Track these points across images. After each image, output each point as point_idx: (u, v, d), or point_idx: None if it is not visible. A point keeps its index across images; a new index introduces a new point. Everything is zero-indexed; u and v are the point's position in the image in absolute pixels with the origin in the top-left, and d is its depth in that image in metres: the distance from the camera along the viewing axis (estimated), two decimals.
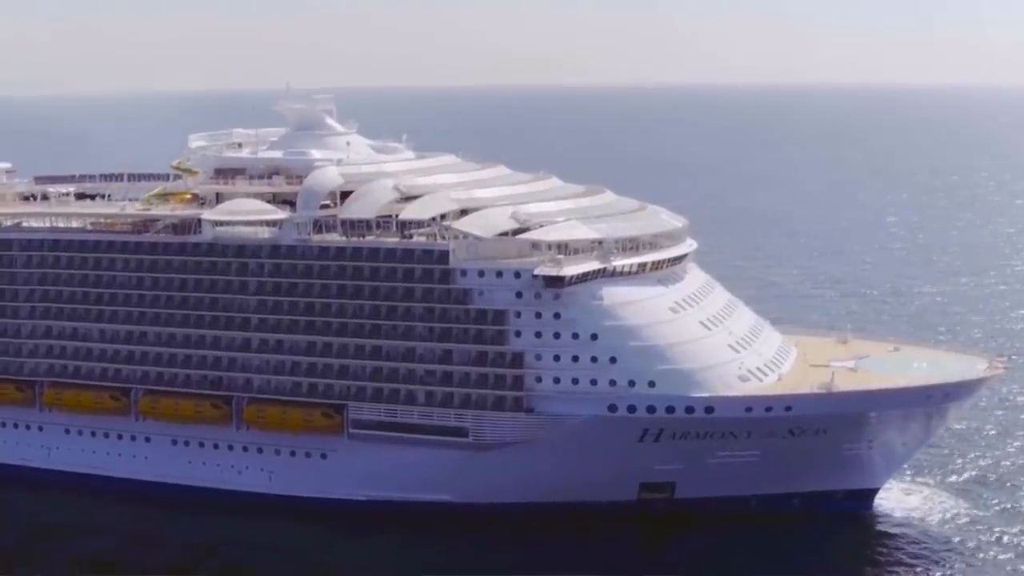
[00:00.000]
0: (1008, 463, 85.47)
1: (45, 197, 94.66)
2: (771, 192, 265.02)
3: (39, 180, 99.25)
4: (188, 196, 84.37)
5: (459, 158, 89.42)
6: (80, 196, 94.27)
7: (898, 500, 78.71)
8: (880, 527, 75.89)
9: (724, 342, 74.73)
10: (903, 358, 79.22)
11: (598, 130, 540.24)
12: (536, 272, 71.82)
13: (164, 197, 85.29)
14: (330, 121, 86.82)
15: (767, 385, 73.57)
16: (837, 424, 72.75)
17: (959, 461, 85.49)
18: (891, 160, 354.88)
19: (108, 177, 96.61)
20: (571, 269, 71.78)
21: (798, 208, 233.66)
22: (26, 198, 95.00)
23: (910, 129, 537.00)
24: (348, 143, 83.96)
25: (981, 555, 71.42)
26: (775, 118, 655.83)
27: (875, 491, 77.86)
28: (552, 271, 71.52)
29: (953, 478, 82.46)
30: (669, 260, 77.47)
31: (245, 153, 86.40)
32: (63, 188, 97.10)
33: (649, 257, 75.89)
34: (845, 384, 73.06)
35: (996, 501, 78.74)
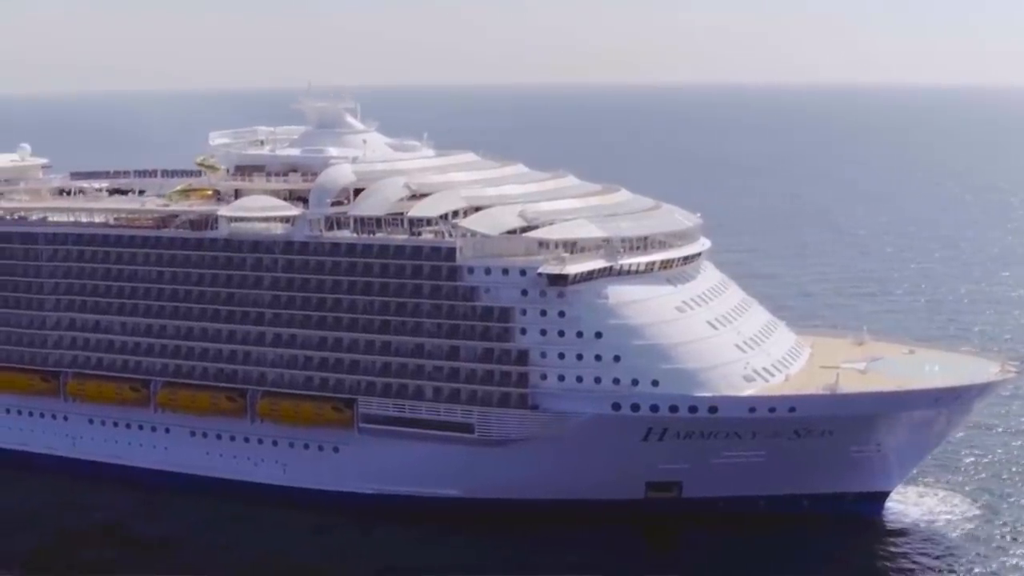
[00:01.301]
0: (1007, 462, 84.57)
1: (79, 192, 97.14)
2: (826, 191, 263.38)
3: (75, 176, 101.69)
4: (209, 192, 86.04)
5: (478, 156, 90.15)
6: (113, 192, 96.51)
7: (910, 503, 77.96)
8: (891, 530, 75.19)
9: (731, 342, 74.54)
10: (916, 360, 78.39)
11: (663, 129, 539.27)
12: (540, 270, 72.23)
13: (186, 193, 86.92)
14: (350, 119, 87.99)
15: (773, 386, 73.25)
16: (843, 426, 72.24)
17: (973, 464, 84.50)
18: (949, 161, 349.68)
19: (142, 173, 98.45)
20: (575, 267, 72.07)
21: (850, 207, 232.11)
22: (60, 193, 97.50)
23: (969, 130, 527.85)
24: (364, 141, 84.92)
25: (994, 560, 70.55)
26: (838, 117, 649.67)
27: (886, 494, 77.18)
28: (555, 269, 71.88)
29: (966, 481, 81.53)
30: (679, 259, 77.38)
31: (265, 151, 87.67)
32: (97, 184, 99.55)
33: (657, 256, 75.90)
34: (852, 386, 72.57)
35: (1010, 505, 77.79)
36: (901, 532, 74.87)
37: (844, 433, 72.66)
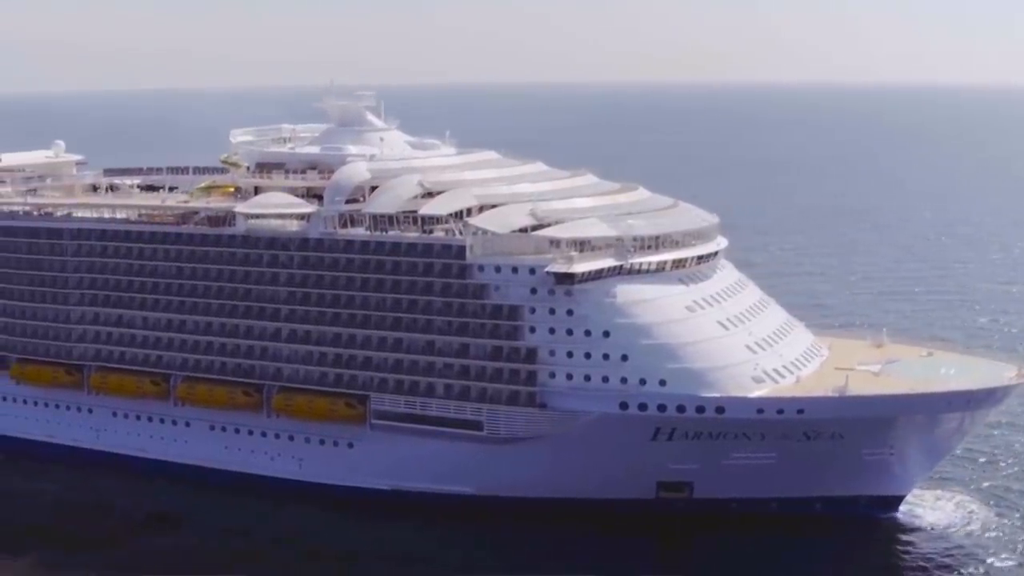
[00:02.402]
0: None
1: (111, 189, 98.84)
2: (887, 192, 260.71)
3: (108, 172, 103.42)
4: (231, 189, 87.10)
5: (499, 154, 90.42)
6: (144, 188, 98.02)
7: (926, 507, 76.97)
8: (905, 535, 74.29)
9: (742, 342, 74.03)
10: (933, 363, 77.32)
11: (733, 129, 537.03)
12: (547, 269, 72.28)
13: (208, 190, 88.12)
14: (370, 117, 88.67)
15: (782, 387, 72.63)
16: (854, 428, 71.49)
17: (990, 468, 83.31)
18: (1012, 162, 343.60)
19: (174, 170, 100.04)
20: (582, 266, 72.04)
21: (908, 208, 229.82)
22: (93, 189, 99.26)
23: None
24: (382, 139, 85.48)
25: (1010, 566, 69.50)
26: (913, 116, 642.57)
27: (900, 498, 76.30)
28: (562, 268, 71.91)
29: (983, 486, 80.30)
30: (693, 259, 77.01)
31: (286, 148, 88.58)
32: (129, 180, 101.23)
33: (669, 255, 75.61)
34: (862, 388, 71.81)
35: (1020, 508, 76.69)
36: (915, 536, 73.97)
37: (855, 436, 71.89)
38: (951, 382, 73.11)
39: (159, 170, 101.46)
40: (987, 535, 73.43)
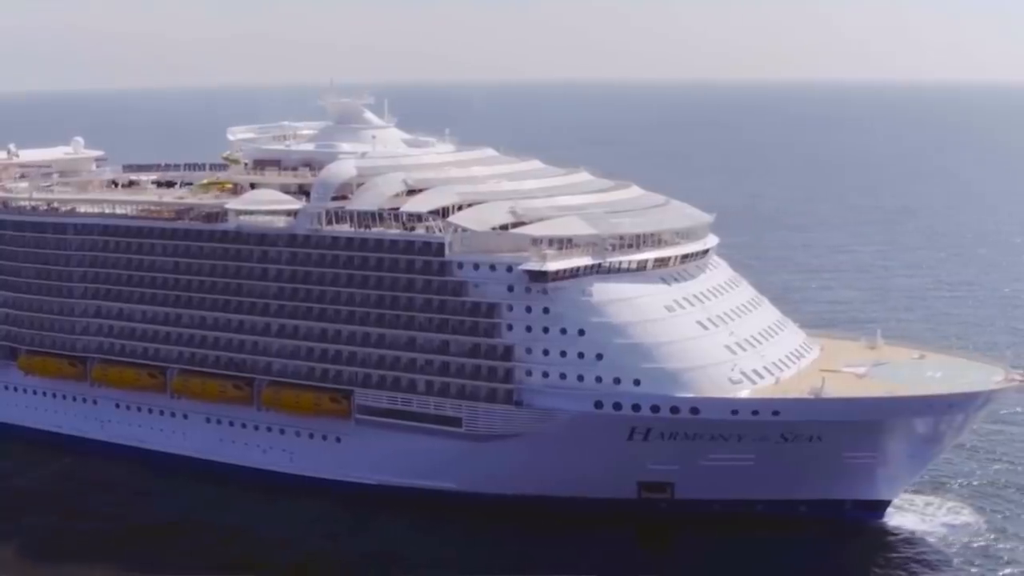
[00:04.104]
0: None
1: (129, 184, 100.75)
2: (939, 191, 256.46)
3: (127, 168, 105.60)
4: (229, 186, 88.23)
5: (497, 152, 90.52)
6: (161, 184, 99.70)
7: (911, 512, 75.66)
8: (890, 539, 73.14)
9: (721, 342, 73.29)
10: (921, 366, 76.02)
11: (795, 127, 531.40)
12: (521, 267, 72.23)
13: (208, 186, 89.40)
14: (368, 115, 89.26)
15: (760, 388, 71.81)
16: (832, 431, 70.42)
17: (978, 473, 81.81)
18: None
19: (191, 166, 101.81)
20: (556, 264, 71.90)
21: (958, 208, 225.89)
22: (114, 185, 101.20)
23: None
24: (373, 136, 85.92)
25: (997, 571, 68.25)
26: (965, 115, 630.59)
27: (886, 503, 75.02)
28: (536, 266, 71.85)
29: (971, 491, 78.93)
30: (677, 258, 76.43)
31: (281, 146, 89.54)
32: (146, 176, 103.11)
33: (650, 254, 75.09)
34: (842, 390, 70.71)
35: (1016, 516, 75.11)
36: (900, 541, 72.78)
37: (835, 439, 70.80)
38: (933, 386, 71.72)
39: (177, 166, 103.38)
40: (973, 539, 72.13)
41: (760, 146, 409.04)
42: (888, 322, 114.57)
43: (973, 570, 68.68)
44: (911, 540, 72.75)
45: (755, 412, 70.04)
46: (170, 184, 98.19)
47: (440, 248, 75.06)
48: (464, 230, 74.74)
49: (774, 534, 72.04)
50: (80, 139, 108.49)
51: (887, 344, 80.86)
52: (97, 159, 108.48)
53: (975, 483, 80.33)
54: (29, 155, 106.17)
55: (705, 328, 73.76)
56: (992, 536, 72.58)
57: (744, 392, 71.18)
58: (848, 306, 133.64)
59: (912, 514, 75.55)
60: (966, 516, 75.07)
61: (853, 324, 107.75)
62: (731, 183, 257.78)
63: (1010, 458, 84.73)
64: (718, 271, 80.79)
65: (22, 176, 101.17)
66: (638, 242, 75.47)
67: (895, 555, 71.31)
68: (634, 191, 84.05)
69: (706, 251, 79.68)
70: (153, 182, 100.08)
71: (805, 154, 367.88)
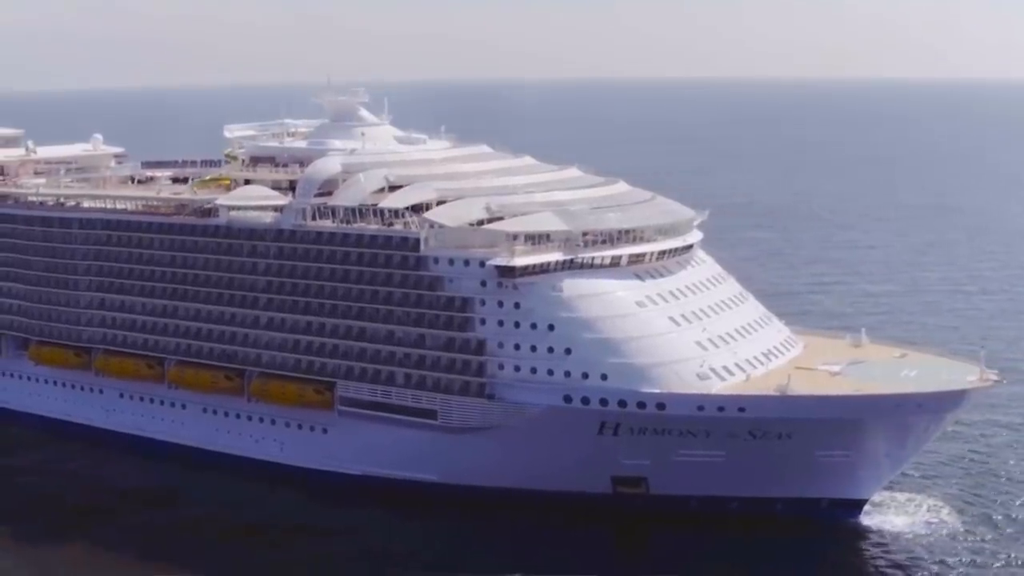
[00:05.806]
0: (1005, 475, 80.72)
1: (143, 181, 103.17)
2: (992, 190, 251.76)
3: (145, 165, 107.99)
4: (227, 182, 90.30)
5: (491, 149, 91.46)
6: (176, 180, 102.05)
7: (888, 511, 75.01)
8: (865, 539, 72.44)
9: (692, 339, 73.41)
10: (900, 364, 75.33)
11: (850, 126, 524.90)
12: (491, 262, 73.11)
13: (207, 183, 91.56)
14: (363, 113, 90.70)
15: (730, 384, 71.82)
16: (802, 429, 70.26)
17: (961, 471, 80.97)
18: None
19: (207, 163, 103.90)
20: (524, 259, 72.58)
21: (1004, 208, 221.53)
22: (132, 181, 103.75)
23: None
24: (363, 133, 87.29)
25: (973, 571, 67.72)
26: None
27: (862, 502, 74.56)
28: (504, 261, 72.63)
29: (956, 490, 77.98)
30: (653, 254, 76.73)
31: (277, 143, 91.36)
32: (162, 172, 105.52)
33: (624, 250, 75.45)
34: (810, 388, 70.50)
35: (996, 514, 74.42)
36: (877, 539, 72.15)
37: (805, 437, 70.61)
38: (905, 385, 71.19)
39: (193, 163, 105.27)
40: (948, 539, 71.34)
41: (816, 144, 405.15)
42: (910, 325, 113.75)
43: (950, 568, 67.99)
44: (887, 538, 72.04)
45: (721, 408, 70.13)
46: (185, 180, 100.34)
47: (416, 244, 76.21)
48: (439, 226, 75.78)
49: (751, 532, 71.82)
50: (99, 136, 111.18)
51: (872, 343, 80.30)
52: (116, 156, 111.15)
53: (955, 481, 79.48)
54: (48, 151, 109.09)
55: (677, 324, 73.93)
56: (970, 535, 71.74)
57: (713, 388, 71.29)
58: (872, 302, 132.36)
59: (891, 512, 74.91)
60: (945, 515, 74.27)
61: (879, 321, 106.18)
62: (781, 179, 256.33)
63: (991, 456, 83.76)
64: (701, 267, 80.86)
65: (38, 173, 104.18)
66: (612, 238, 75.89)
67: (870, 553, 70.80)
68: (621, 187, 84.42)
69: (688, 247, 79.83)
70: (170, 178, 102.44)
71: (860, 152, 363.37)
